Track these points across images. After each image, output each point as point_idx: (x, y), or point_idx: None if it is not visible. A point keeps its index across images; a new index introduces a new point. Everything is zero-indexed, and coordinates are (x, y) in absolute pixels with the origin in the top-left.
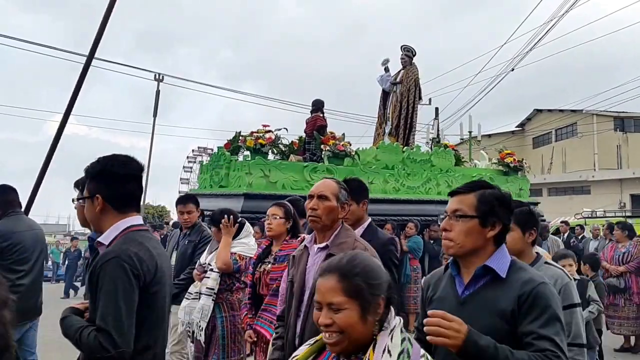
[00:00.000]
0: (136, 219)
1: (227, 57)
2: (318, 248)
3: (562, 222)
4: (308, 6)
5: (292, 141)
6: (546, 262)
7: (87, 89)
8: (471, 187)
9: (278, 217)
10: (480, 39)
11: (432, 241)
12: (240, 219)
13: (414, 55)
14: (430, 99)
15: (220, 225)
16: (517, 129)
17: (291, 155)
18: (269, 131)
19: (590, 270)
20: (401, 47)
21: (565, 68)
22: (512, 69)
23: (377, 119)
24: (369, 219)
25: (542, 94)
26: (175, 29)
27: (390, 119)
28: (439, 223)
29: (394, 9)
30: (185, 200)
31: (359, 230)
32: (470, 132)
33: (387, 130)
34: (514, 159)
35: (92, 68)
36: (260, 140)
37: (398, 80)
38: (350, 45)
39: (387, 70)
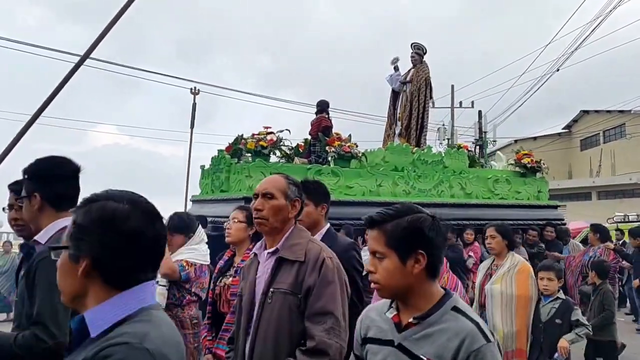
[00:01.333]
0: (67, 219)
1: (265, 64)
2: (267, 253)
3: (630, 231)
4: (346, 11)
5: (297, 143)
6: (456, 309)
7: (127, 99)
8: (385, 217)
9: (237, 221)
10: (524, 38)
11: (446, 247)
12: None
13: (424, 53)
14: (472, 102)
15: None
16: (564, 131)
17: (296, 158)
18: (271, 133)
19: (597, 277)
20: (411, 44)
21: (613, 67)
22: (558, 69)
23: (386, 120)
24: (328, 225)
25: (589, 94)
26: (213, 38)
27: (400, 120)
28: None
29: (432, 12)
30: None
31: (317, 237)
32: (485, 132)
33: (397, 131)
34: (532, 160)
35: (133, 78)
36: (261, 142)
37: (408, 79)
38: (389, 48)
39: (396, 69)
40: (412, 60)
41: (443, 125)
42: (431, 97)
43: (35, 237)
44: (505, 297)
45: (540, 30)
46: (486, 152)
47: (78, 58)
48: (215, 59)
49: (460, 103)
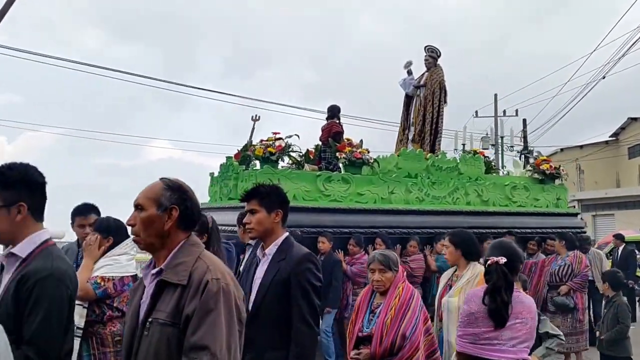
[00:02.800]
0: (47, 232)
1: (309, 76)
2: (152, 275)
3: (614, 235)
4: (388, 22)
5: (307, 149)
6: None
7: (179, 115)
8: None
9: None
10: (568, 45)
11: None
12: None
13: (438, 56)
14: (517, 110)
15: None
16: (611, 139)
17: (306, 164)
18: (279, 139)
19: (611, 289)
20: (425, 47)
21: None
22: (604, 77)
23: (399, 125)
24: (286, 234)
25: (637, 101)
26: (258, 54)
27: (413, 125)
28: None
29: (474, 19)
30: (86, 210)
31: (272, 247)
32: (502, 137)
33: (410, 137)
34: (550, 166)
35: (183, 95)
36: (269, 149)
37: (422, 83)
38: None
39: (409, 73)
40: (425, 64)
41: (487, 134)
42: (446, 102)
43: (13, 250)
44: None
45: (585, 36)
46: (502, 159)
47: (130, 76)
48: (260, 73)
49: (504, 112)
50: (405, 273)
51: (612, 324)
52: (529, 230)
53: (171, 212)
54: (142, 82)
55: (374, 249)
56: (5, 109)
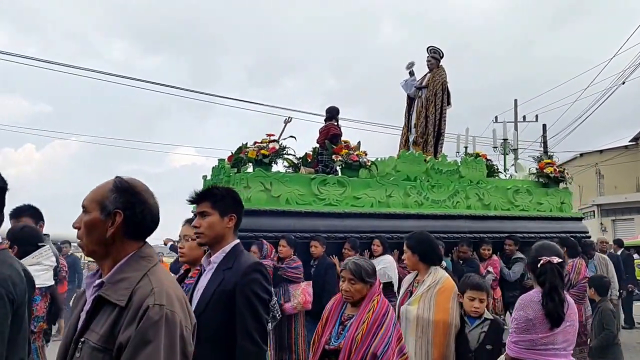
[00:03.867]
0: None
1: (331, 84)
2: (94, 287)
3: (613, 240)
4: (409, 29)
5: (305, 152)
6: None
7: (202, 122)
8: None
9: (190, 239)
10: (588, 50)
11: (461, 262)
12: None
13: (441, 57)
14: (536, 116)
15: None
16: (631, 143)
17: (301, 167)
18: (273, 141)
19: (597, 294)
20: (427, 48)
21: None
22: (623, 82)
23: (402, 128)
24: (236, 241)
25: None
26: (282, 62)
27: (415, 127)
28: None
29: (496, 24)
30: (19, 212)
31: (219, 255)
32: (505, 139)
33: (411, 139)
34: (555, 169)
35: (208, 104)
36: (262, 151)
37: (424, 84)
38: (452, 64)
39: (411, 74)
40: (428, 65)
41: (506, 140)
42: (449, 103)
43: None
44: (422, 322)
45: (606, 42)
46: (505, 162)
47: (158, 86)
48: (284, 81)
49: (524, 117)
50: (381, 285)
51: (599, 331)
52: (531, 235)
53: (115, 217)
54: (168, 91)
55: (370, 253)
56: (35, 119)
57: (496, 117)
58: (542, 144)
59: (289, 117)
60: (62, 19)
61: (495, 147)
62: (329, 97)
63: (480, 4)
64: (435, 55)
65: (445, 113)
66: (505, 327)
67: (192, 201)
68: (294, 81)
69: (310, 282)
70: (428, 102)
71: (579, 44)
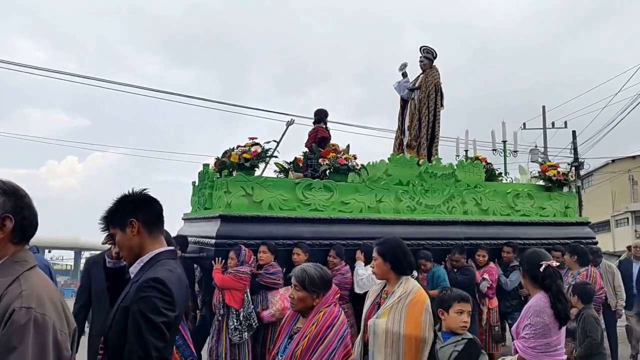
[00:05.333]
0: None
1: (356, 93)
2: None
3: (627, 247)
4: (433, 34)
5: (295, 157)
6: None
7: (232, 132)
8: None
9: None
10: (618, 54)
11: (455, 270)
12: None
13: (434, 58)
14: (565, 122)
15: None
16: None
17: (290, 172)
18: (256, 144)
19: (580, 302)
20: (420, 48)
21: None
22: None
23: (396, 131)
24: (159, 250)
25: None
26: (308, 72)
27: (409, 130)
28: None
29: (522, 28)
30: None
31: (137, 265)
32: (504, 141)
33: (405, 143)
34: (558, 172)
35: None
36: (245, 155)
37: (417, 85)
38: (476, 69)
39: (404, 75)
40: (421, 66)
41: (536, 146)
42: (442, 105)
43: None
44: (391, 337)
45: (637, 45)
46: (506, 165)
47: (188, 99)
48: (309, 91)
49: (553, 124)
50: (337, 295)
51: (582, 339)
52: (533, 241)
53: (4, 222)
54: (199, 103)
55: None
56: (76, 132)
57: (524, 124)
58: (573, 151)
59: (291, 119)
60: (97, 35)
61: (494, 150)
62: (354, 106)
63: (505, 7)
64: (428, 56)
65: (439, 115)
66: (483, 352)
67: (103, 230)
68: (319, 90)
69: (289, 287)
70: (421, 103)
71: (608, 47)
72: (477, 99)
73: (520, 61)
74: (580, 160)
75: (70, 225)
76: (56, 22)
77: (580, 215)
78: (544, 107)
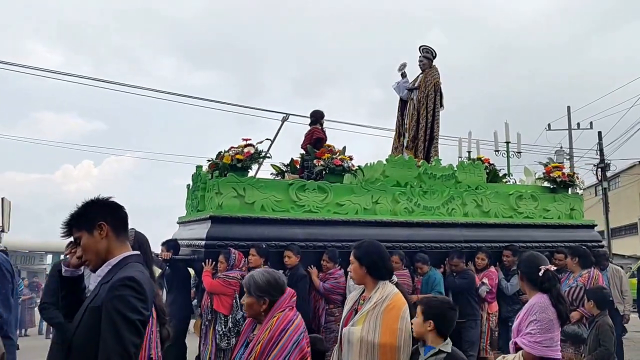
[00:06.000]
0: None
1: (376, 95)
2: None
3: None
4: (457, 34)
5: (292, 158)
6: None
7: (252, 135)
8: None
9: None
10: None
11: (454, 274)
12: None
13: (434, 57)
14: (591, 123)
15: None
16: None
17: (286, 174)
18: (249, 145)
19: (596, 307)
20: (419, 47)
21: None
22: None
23: (394, 132)
24: (127, 253)
25: None
26: (326, 74)
27: (407, 130)
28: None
29: (546, 26)
30: None
31: (104, 268)
32: (507, 142)
33: (405, 144)
34: (563, 173)
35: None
36: (237, 156)
37: (416, 85)
38: (499, 68)
39: (403, 75)
40: (420, 65)
41: (561, 147)
42: (442, 105)
43: None
44: (366, 346)
45: None
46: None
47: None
48: (328, 93)
49: (578, 125)
50: (293, 298)
51: (594, 347)
52: (536, 244)
53: None
54: (216, 106)
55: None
56: (92, 136)
57: (549, 125)
58: (599, 152)
59: (286, 115)
60: (112, 38)
61: (497, 151)
62: (373, 107)
63: (529, 5)
64: (427, 55)
65: (439, 115)
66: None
67: (65, 234)
68: (338, 92)
69: None
70: (420, 104)
71: (636, 46)
72: (500, 99)
73: (544, 60)
74: (606, 161)
75: None
76: (71, 24)
77: (607, 219)
78: (568, 108)
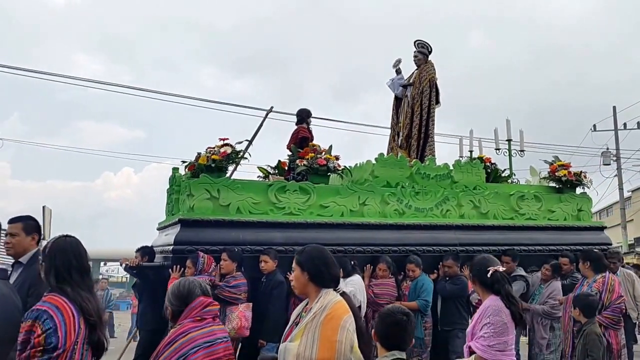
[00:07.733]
0: None
1: None
2: None
3: None
4: (500, 33)
5: (279, 160)
6: None
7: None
8: None
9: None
10: None
11: (446, 278)
12: None
13: (429, 52)
14: (638, 123)
15: None
16: None
17: (270, 175)
18: (226, 144)
19: (582, 315)
20: (415, 42)
21: None
22: None
23: (390, 130)
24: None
25: None
26: (365, 78)
27: (401, 129)
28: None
29: (591, 26)
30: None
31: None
32: (509, 140)
33: (399, 143)
34: (569, 172)
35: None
36: (214, 156)
37: (410, 82)
38: (544, 68)
39: (398, 72)
40: (415, 61)
41: (607, 149)
42: (437, 102)
43: None
44: None
45: None
46: (511, 164)
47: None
48: (367, 96)
49: (625, 125)
50: (204, 309)
51: (583, 358)
52: (539, 247)
53: None
54: (254, 114)
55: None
56: (133, 144)
57: (594, 126)
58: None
59: (271, 107)
60: (151, 46)
61: (498, 149)
62: None
63: (574, 5)
64: (422, 50)
65: (434, 112)
66: None
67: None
68: (377, 96)
69: (250, 304)
70: (414, 100)
71: None
72: (543, 99)
73: (589, 60)
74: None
75: (125, 236)
76: (111, 35)
77: None
78: (614, 108)
